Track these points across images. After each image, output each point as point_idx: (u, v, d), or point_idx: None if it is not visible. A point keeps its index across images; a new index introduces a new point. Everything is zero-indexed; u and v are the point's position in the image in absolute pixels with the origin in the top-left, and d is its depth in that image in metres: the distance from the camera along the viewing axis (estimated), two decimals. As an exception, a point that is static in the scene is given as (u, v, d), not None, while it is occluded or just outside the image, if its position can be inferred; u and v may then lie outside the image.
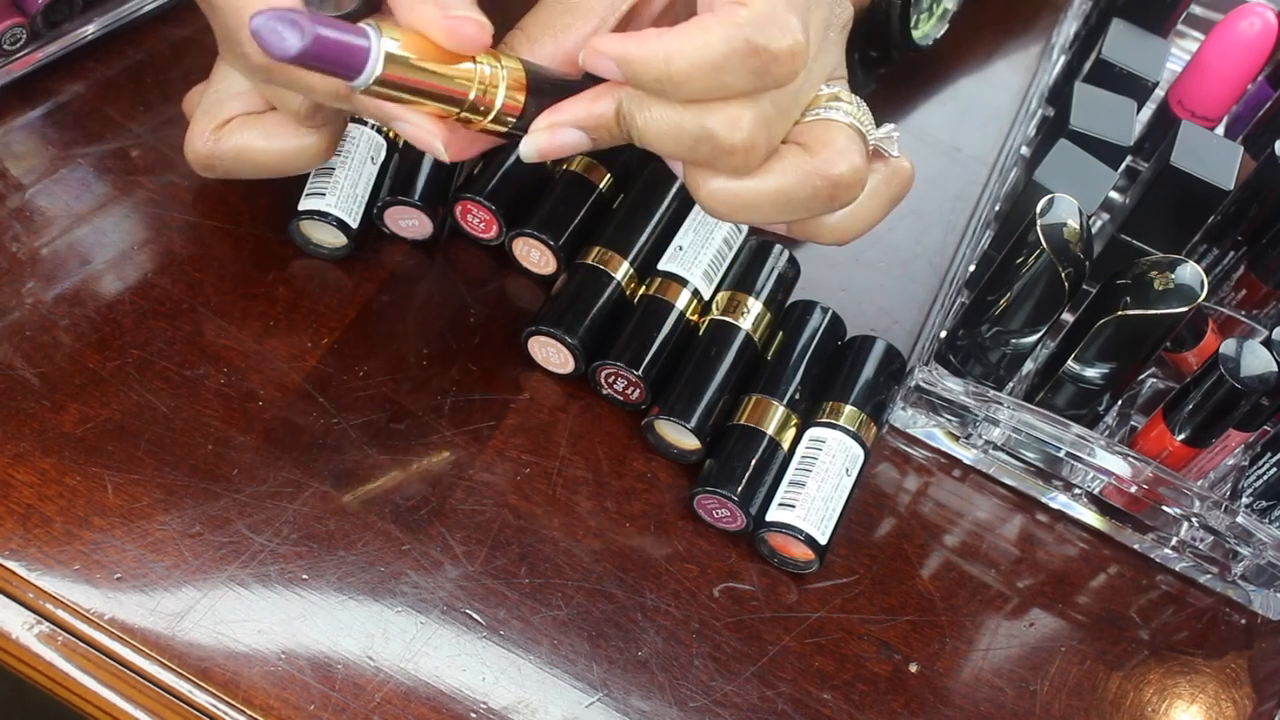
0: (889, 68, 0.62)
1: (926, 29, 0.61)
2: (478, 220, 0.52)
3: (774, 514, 0.47)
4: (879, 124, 0.43)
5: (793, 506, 0.46)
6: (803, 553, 0.47)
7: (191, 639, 0.42)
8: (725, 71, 0.37)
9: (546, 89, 0.40)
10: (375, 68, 0.36)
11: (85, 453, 0.45)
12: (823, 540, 0.46)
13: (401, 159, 0.52)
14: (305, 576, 0.44)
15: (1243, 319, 0.56)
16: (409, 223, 0.52)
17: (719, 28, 0.36)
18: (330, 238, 0.51)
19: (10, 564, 0.42)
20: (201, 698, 0.41)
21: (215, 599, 0.43)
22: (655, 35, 0.37)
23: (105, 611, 0.42)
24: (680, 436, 0.49)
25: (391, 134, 0.52)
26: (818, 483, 0.47)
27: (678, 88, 0.37)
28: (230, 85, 0.46)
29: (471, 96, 0.38)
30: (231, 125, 0.45)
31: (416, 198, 0.51)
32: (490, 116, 0.39)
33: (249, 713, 0.41)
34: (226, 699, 0.41)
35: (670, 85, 0.37)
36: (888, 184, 0.43)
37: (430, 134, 0.39)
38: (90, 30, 0.54)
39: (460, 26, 0.37)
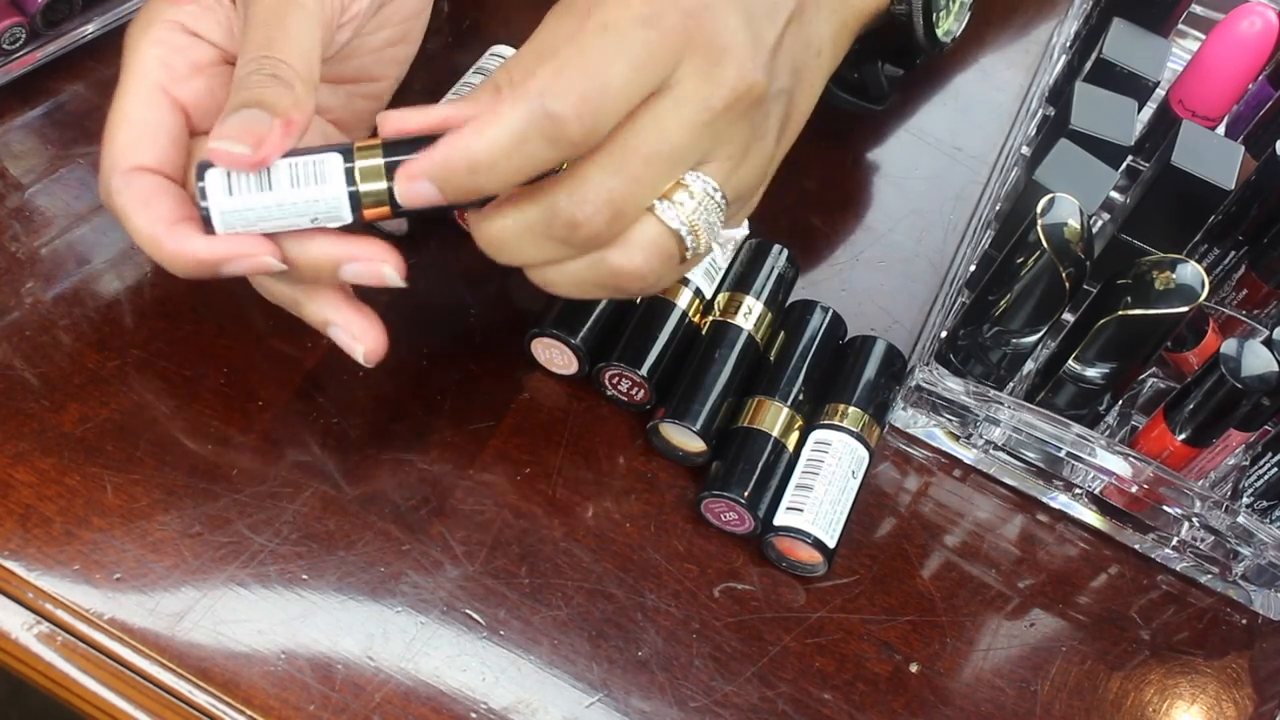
0: (911, 72, 0.61)
1: (948, 25, 0.59)
2: (478, 220, 0.52)
3: (782, 518, 0.46)
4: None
5: (800, 510, 0.46)
6: (810, 556, 0.47)
7: (191, 639, 0.42)
8: (528, 142, 0.37)
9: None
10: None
11: (85, 453, 0.45)
12: (831, 544, 0.46)
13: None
14: (305, 576, 0.44)
15: (1243, 319, 0.56)
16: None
17: (509, 106, 0.37)
18: None
19: (10, 564, 0.42)
20: (201, 698, 0.41)
21: (215, 599, 0.43)
22: (453, 135, 0.38)
23: (105, 611, 0.42)
24: (686, 439, 0.49)
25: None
26: (824, 486, 0.47)
27: (490, 176, 0.38)
28: None
29: (327, 203, 0.39)
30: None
31: None
32: (372, 211, 0.40)
33: (249, 713, 0.41)
34: (226, 699, 0.41)
35: (484, 177, 0.38)
36: (594, 271, 0.42)
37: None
38: (90, 29, 0.54)
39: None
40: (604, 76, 0.38)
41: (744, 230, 0.42)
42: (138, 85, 0.42)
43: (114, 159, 0.42)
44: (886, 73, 0.58)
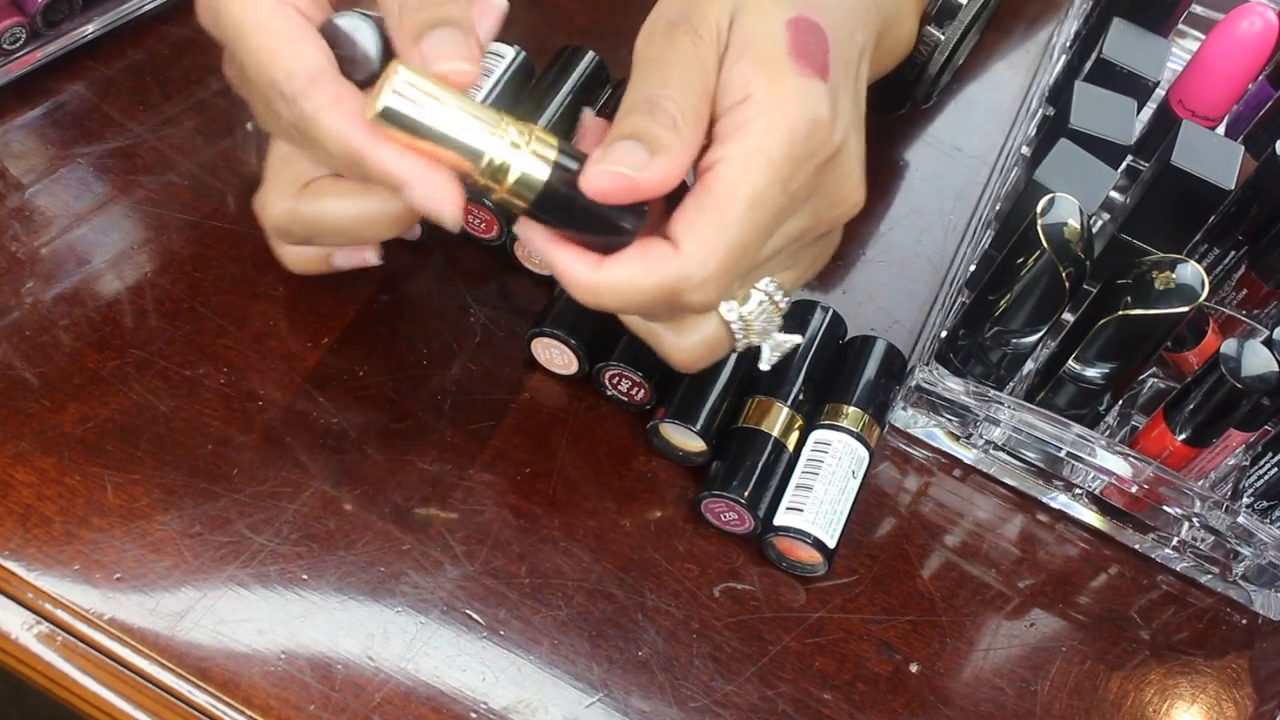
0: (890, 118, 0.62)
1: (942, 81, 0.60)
2: (478, 220, 0.52)
3: (782, 518, 0.46)
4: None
5: (800, 510, 0.46)
6: (810, 556, 0.47)
7: (191, 639, 0.42)
8: (648, 306, 0.39)
9: (572, 178, 0.37)
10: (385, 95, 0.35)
11: (85, 452, 0.45)
12: (831, 544, 0.46)
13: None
14: (305, 576, 0.44)
15: (1243, 318, 0.56)
16: None
17: (648, 276, 0.38)
18: None
19: (9, 564, 0.42)
20: (201, 698, 0.41)
21: (215, 599, 0.43)
22: (593, 270, 0.38)
23: (105, 611, 0.42)
24: (686, 439, 0.49)
25: None
26: (824, 485, 0.47)
27: (608, 306, 0.39)
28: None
29: (489, 155, 0.36)
30: (313, 187, 0.41)
31: None
32: (505, 186, 0.37)
33: (249, 713, 0.41)
34: (226, 699, 0.41)
35: (606, 302, 0.39)
36: (645, 330, 0.42)
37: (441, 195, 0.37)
38: (90, 29, 0.54)
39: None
40: (746, 258, 0.38)
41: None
42: (257, 5, 0.39)
43: (288, 68, 0.38)
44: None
